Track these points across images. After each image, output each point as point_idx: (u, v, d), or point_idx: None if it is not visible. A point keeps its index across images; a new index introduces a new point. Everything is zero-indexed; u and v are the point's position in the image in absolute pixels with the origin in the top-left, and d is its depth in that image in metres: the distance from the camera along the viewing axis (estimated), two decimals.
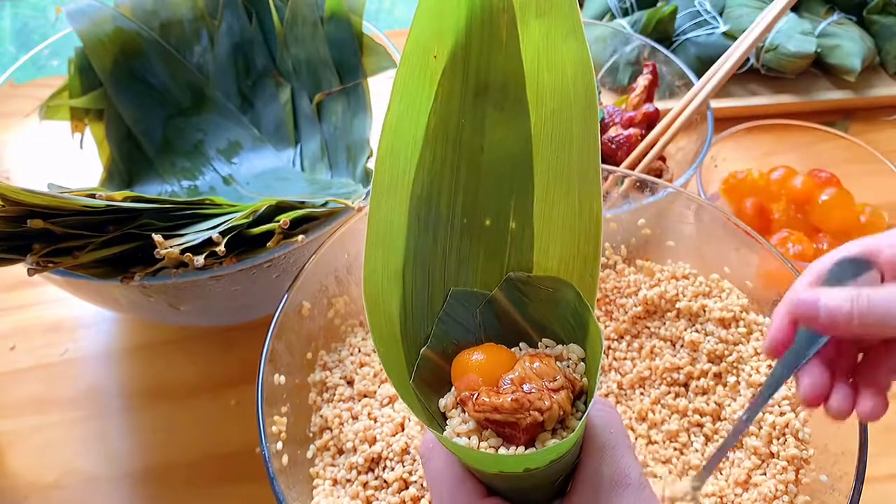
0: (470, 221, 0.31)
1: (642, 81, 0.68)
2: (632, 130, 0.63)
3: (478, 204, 0.31)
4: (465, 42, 0.29)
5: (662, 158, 0.64)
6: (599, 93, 0.73)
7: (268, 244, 0.45)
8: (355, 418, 0.45)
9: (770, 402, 0.44)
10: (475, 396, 0.28)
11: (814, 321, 0.33)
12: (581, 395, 0.29)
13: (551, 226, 0.31)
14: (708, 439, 0.46)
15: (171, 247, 0.42)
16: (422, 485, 0.42)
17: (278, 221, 0.45)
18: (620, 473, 0.29)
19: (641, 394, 0.49)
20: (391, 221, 0.30)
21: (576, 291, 0.30)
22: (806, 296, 0.33)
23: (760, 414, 0.44)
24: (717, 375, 0.48)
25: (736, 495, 0.43)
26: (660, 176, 0.64)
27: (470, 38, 0.29)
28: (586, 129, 0.30)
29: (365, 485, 0.43)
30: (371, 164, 0.62)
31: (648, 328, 0.50)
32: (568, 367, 0.30)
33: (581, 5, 0.89)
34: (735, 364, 0.47)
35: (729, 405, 0.46)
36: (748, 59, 0.78)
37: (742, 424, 0.36)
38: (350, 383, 0.47)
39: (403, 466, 0.43)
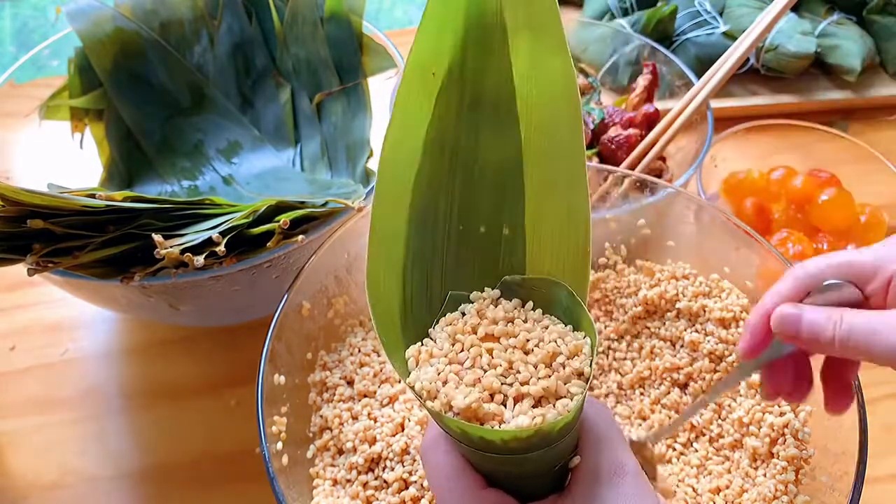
0: (466, 228, 0.33)
1: (642, 81, 0.68)
2: (632, 131, 0.63)
3: (473, 212, 0.33)
4: (461, 59, 0.31)
5: (662, 158, 0.64)
6: (599, 93, 0.73)
7: (268, 244, 0.45)
8: (355, 418, 0.45)
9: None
10: None
11: (794, 339, 0.35)
12: None
13: (542, 231, 0.33)
14: (710, 440, 0.47)
15: (171, 247, 0.42)
16: (422, 485, 0.42)
17: (278, 221, 0.45)
18: (618, 463, 0.30)
19: (641, 394, 0.49)
20: (392, 226, 0.32)
21: (568, 290, 0.31)
22: (788, 312, 0.35)
23: (761, 414, 0.44)
24: (718, 376, 0.48)
25: (736, 495, 0.43)
26: (660, 176, 0.64)
27: (465, 55, 0.31)
28: (572, 139, 0.31)
29: (365, 485, 0.43)
30: (371, 164, 0.62)
31: (648, 328, 0.50)
32: None
33: (581, 5, 0.89)
34: (735, 364, 0.47)
35: (729, 405, 0.46)
36: (748, 59, 0.78)
37: (698, 404, 0.42)
38: (350, 383, 0.47)
39: (403, 466, 0.43)
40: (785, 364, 0.38)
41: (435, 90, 0.31)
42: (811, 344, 0.34)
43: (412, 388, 0.29)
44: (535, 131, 0.32)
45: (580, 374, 0.29)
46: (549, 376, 0.28)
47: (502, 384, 0.29)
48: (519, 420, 0.27)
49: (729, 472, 0.45)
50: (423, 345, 0.31)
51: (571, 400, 0.28)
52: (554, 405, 0.28)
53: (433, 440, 0.32)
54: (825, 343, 0.33)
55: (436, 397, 0.28)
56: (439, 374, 0.29)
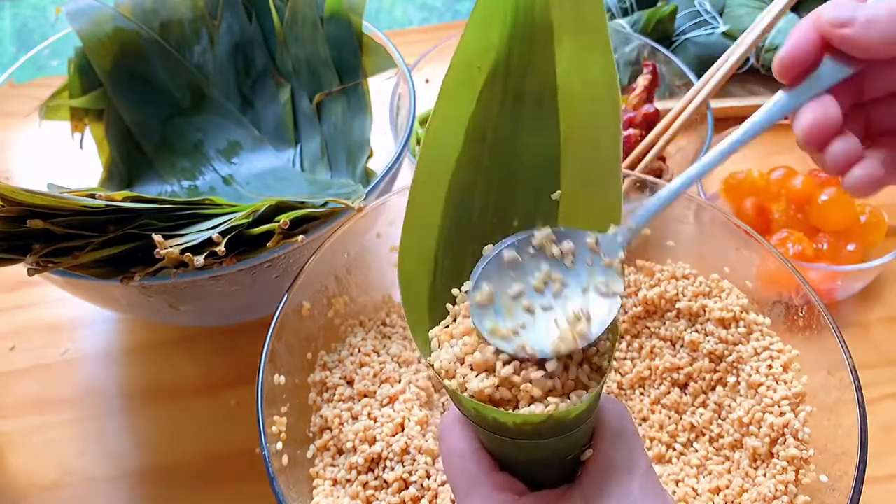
0: (499, 220, 0.34)
1: (642, 81, 0.68)
2: (632, 131, 0.63)
3: (508, 204, 0.33)
4: (507, 55, 0.31)
5: (662, 158, 0.64)
6: None
7: (268, 244, 0.45)
8: (355, 418, 0.45)
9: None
10: None
11: (848, 42, 0.28)
12: None
13: (575, 226, 0.33)
14: (711, 440, 0.47)
15: (171, 247, 0.42)
16: (422, 485, 0.42)
17: (278, 221, 0.45)
18: (631, 459, 0.30)
19: (641, 394, 0.49)
20: (428, 211, 0.33)
21: None
22: (842, 8, 0.28)
23: (761, 414, 0.44)
24: (718, 376, 0.48)
25: (736, 495, 0.43)
26: (660, 176, 0.64)
27: (511, 51, 0.31)
28: (610, 137, 0.32)
29: (365, 485, 0.43)
30: (371, 165, 0.62)
31: (648, 328, 0.51)
32: None
33: None
34: (735, 364, 0.47)
35: (729, 405, 0.46)
36: (748, 59, 0.78)
37: (726, 146, 0.31)
38: (350, 383, 0.47)
39: (403, 466, 0.43)
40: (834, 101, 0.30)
41: (479, 84, 0.32)
42: (867, 35, 0.27)
43: (432, 366, 0.30)
44: (575, 128, 0.32)
45: (597, 369, 0.29)
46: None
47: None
48: (532, 406, 0.28)
49: (729, 472, 0.45)
50: (446, 326, 0.31)
51: (586, 392, 0.28)
52: (569, 396, 0.28)
53: (450, 422, 0.32)
54: (882, 32, 0.27)
55: (454, 377, 0.29)
56: (457, 356, 0.30)
